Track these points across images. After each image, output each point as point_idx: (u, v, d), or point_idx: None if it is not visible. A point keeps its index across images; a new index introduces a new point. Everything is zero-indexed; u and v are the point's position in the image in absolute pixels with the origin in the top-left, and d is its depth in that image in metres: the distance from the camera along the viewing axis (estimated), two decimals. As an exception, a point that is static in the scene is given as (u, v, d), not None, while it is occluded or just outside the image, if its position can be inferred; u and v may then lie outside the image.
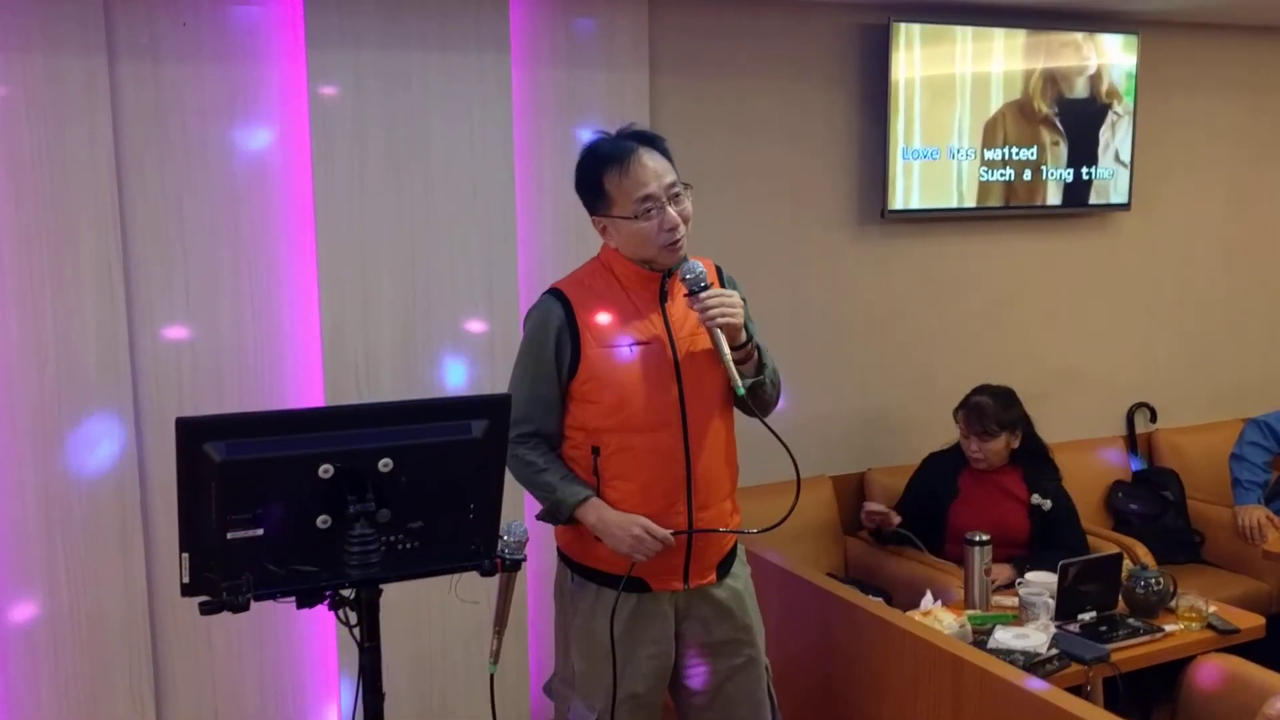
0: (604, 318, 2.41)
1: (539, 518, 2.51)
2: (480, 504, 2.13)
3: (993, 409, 3.71)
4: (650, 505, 2.40)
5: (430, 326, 3.41)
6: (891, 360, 4.32)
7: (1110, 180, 4.54)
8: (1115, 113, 4.49)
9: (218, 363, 3.24)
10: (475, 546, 2.09)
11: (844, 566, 4.08)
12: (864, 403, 4.27)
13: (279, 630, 3.36)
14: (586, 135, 3.52)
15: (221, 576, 1.98)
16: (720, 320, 2.31)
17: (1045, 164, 4.38)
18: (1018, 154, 4.32)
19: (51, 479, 3.07)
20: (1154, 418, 4.88)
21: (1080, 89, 4.40)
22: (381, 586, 2.04)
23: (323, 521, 2.00)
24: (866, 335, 4.27)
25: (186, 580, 1.99)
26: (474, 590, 2.41)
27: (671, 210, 2.34)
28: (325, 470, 1.97)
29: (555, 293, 2.45)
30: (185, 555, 1.99)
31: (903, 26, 4.02)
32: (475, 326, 3.46)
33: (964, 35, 4.14)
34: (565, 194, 3.56)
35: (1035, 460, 3.80)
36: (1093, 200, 4.53)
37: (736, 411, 2.52)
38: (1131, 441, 4.82)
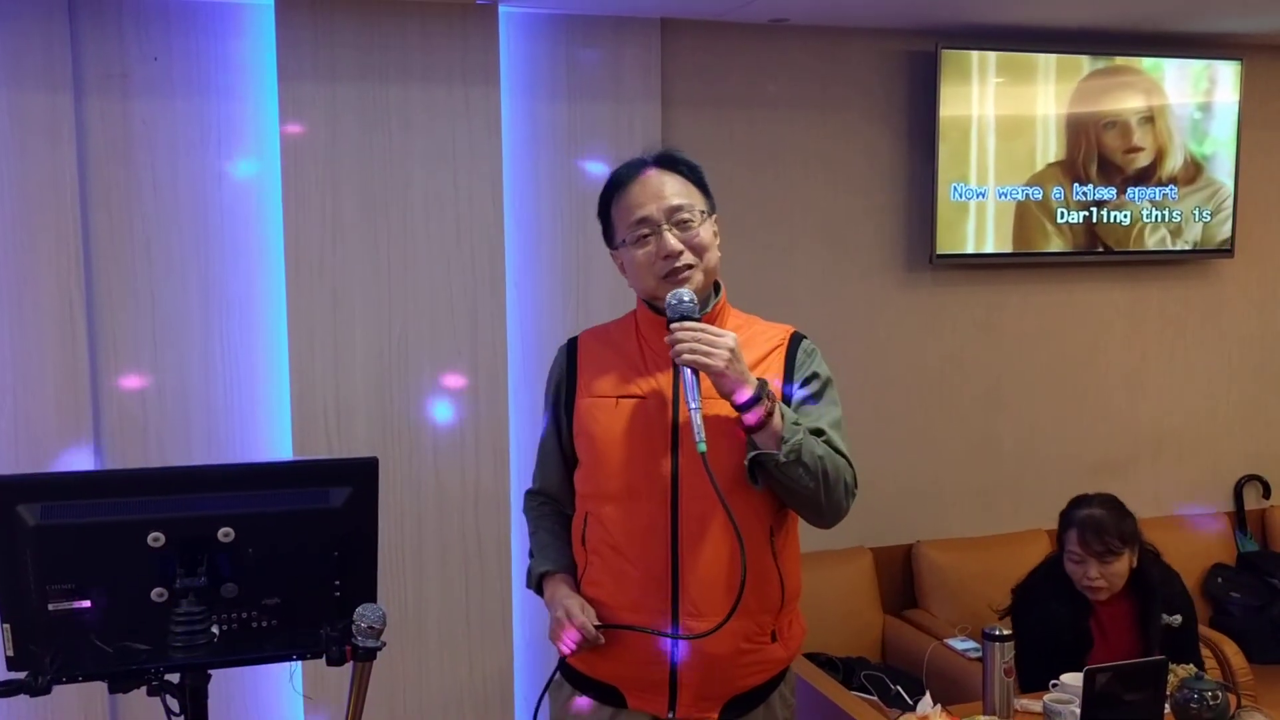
0: (602, 367, 2.09)
1: (527, 584, 2.20)
2: (348, 581, 1.90)
3: (1111, 522, 2.88)
4: (624, 594, 1.99)
5: (407, 379, 3.19)
6: (944, 422, 3.89)
7: (1209, 222, 4.03)
8: (1214, 148, 3.98)
9: (186, 411, 3.10)
10: (325, 631, 1.85)
11: (880, 650, 3.66)
12: (912, 469, 3.86)
13: (244, 690, 3.17)
14: (589, 174, 3.32)
15: (45, 651, 1.81)
16: (687, 357, 1.87)
17: (1129, 205, 3.91)
18: (1094, 193, 3.86)
19: (6, 528, 2.96)
20: (1267, 493, 4.30)
21: (1171, 121, 3.91)
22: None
23: (158, 595, 1.82)
24: (915, 393, 3.86)
25: (10, 654, 1.84)
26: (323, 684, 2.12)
27: (670, 236, 1.97)
28: (155, 539, 1.79)
29: (570, 340, 2.18)
30: (6, 626, 1.83)
31: (953, 54, 3.64)
32: (455, 381, 3.22)
33: (1026, 63, 3.73)
34: (565, 238, 3.34)
35: (1153, 570, 2.97)
36: (1188, 245, 4.02)
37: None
38: (1239, 519, 4.25)
